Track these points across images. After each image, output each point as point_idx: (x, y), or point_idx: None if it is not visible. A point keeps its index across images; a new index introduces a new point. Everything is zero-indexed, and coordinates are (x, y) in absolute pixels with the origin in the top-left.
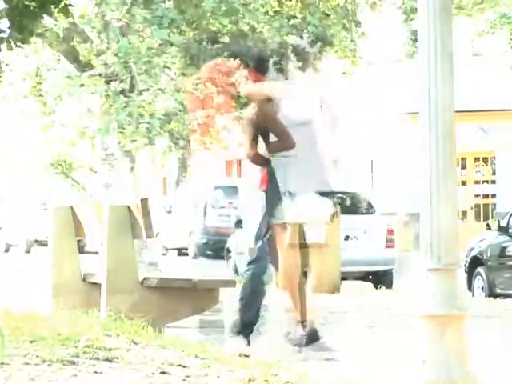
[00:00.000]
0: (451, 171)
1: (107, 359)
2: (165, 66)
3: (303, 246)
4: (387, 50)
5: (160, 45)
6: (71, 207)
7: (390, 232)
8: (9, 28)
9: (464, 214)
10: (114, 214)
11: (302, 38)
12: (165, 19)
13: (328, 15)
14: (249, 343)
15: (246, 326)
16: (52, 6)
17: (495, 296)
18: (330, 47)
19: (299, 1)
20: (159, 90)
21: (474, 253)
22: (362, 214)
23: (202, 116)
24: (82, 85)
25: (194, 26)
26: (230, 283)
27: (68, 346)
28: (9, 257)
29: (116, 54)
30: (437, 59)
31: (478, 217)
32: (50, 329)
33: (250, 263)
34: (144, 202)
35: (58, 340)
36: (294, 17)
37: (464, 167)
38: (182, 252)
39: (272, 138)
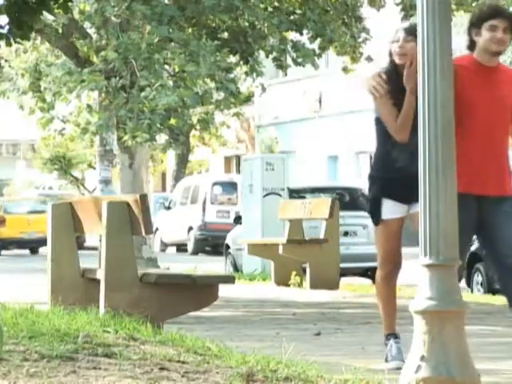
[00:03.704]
0: (450, 166)
1: (106, 355)
2: (164, 63)
3: (302, 242)
4: (386, 46)
5: (159, 41)
6: (70, 203)
7: None
8: (8, 24)
9: None
10: (113, 209)
11: (301, 33)
12: (164, 16)
13: (327, 11)
14: None
15: None
16: (51, 2)
17: (494, 292)
18: (330, 43)
19: None
20: (160, 86)
21: (472, 249)
22: (362, 209)
23: None
24: (83, 81)
25: (193, 22)
26: (229, 279)
27: (67, 342)
28: (8, 252)
29: (116, 50)
30: (436, 55)
31: None
32: (48, 325)
33: None
34: (143, 197)
35: (56, 336)
36: (294, 13)
37: None
38: (180, 248)
39: None
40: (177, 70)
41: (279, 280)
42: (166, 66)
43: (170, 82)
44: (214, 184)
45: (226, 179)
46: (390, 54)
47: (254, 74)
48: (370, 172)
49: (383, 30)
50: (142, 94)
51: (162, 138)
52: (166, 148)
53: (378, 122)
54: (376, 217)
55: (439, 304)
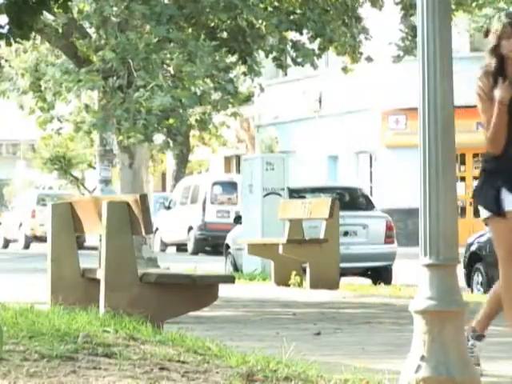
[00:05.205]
0: (450, 167)
1: (106, 355)
2: (162, 63)
3: (302, 242)
4: (386, 46)
5: (158, 41)
6: (70, 203)
7: (389, 227)
8: (8, 24)
9: (463, 209)
10: (113, 209)
11: (301, 33)
12: (163, 15)
13: (327, 11)
14: None
15: None
16: (51, 2)
17: None
18: (330, 43)
19: None
20: (157, 86)
21: (473, 249)
22: (362, 209)
23: None
24: (80, 80)
25: (192, 21)
26: (229, 279)
27: (67, 342)
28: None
29: (114, 50)
30: (436, 55)
31: (477, 213)
32: (48, 325)
33: None
34: (143, 197)
35: (56, 336)
36: (293, 12)
37: (463, 163)
38: (180, 248)
39: None
40: (175, 70)
41: (279, 280)
42: (165, 66)
43: (170, 83)
44: (214, 184)
45: (226, 179)
46: (495, 48)
47: (252, 74)
48: (484, 165)
49: (383, 30)
50: (136, 94)
51: (160, 138)
52: (164, 148)
53: None
54: (498, 208)
55: (439, 304)
